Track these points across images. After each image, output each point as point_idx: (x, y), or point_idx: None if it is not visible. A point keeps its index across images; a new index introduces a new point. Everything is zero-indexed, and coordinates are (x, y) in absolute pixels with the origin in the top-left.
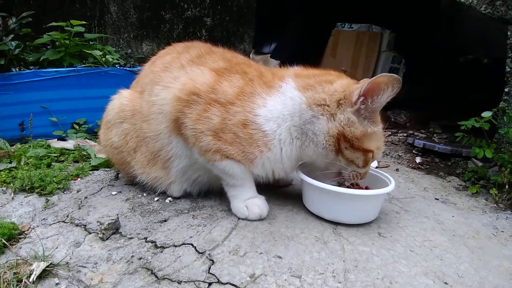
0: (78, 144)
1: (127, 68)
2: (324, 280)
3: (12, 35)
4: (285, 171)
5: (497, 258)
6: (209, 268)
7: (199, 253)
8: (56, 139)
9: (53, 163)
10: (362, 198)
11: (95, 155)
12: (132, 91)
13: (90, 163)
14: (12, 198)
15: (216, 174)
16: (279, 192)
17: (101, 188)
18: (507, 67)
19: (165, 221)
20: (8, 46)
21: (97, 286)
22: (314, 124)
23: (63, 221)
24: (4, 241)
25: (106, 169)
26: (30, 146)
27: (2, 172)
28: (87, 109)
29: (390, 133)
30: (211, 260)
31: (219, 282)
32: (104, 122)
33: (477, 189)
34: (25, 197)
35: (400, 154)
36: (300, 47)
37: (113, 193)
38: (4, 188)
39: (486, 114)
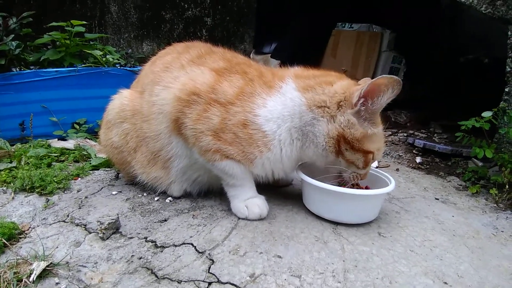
0: (79, 144)
1: (128, 68)
2: (324, 279)
3: (13, 35)
4: (285, 171)
5: (497, 258)
6: (209, 268)
7: (199, 252)
8: (56, 139)
9: (54, 163)
10: (362, 198)
11: (95, 155)
12: (133, 91)
13: (90, 163)
14: (13, 198)
15: (216, 174)
16: (279, 192)
17: (102, 188)
18: (507, 67)
19: (165, 220)
20: (9, 46)
21: (97, 286)
22: (314, 126)
23: (63, 221)
24: (5, 241)
25: (106, 169)
26: (30, 146)
27: (2, 172)
28: (87, 109)
29: (390, 133)
30: (211, 259)
31: (219, 281)
32: (105, 122)
33: (477, 189)
34: (25, 196)
35: (401, 154)
36: (301, 47)
37: (114, 192)
38: (5, 188)
39: (486, 114)
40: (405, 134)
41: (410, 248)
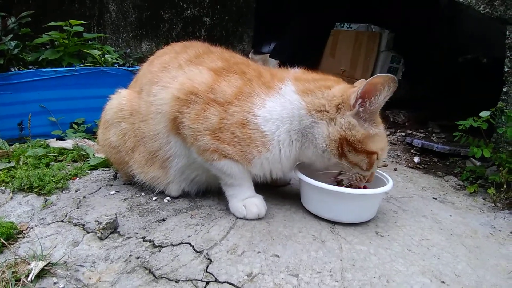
0: (77, 144)
1: (126, 68)
2: (321, 279)
3: (11, 35)
4: (283, 171)
5: (494, 257)
6: (207, 267)
7: (197, 252)
8: (55, 139)
9: (52, 163)
10: (360, 197)
11: (93, 155)
12: (131, 90)
13: (88, 163)
14: (11, 198)
15: (214, 173)
16: (277, 191)
17: (100, 188)
18: (505, 66)
19: (163, 220)
20: (7, 45)
21: (95, 285)
22: (314, 128)
23: (62, 221)
24: (3, 241)
25: (104, 169)
26: (29, 145)
27: (1, 172)
28: (86, 108)
29: (389, 132)
30: (208, 259)
31: (216, 281)
32: (103, 122)
33: (475, 188)
34: (23, 196)
35: (399, 154)
36: (300, 47)
37: (112, 192)
38: (3, 188)
39: (484, 113)
40: (403, 134)
41: (408, 247)
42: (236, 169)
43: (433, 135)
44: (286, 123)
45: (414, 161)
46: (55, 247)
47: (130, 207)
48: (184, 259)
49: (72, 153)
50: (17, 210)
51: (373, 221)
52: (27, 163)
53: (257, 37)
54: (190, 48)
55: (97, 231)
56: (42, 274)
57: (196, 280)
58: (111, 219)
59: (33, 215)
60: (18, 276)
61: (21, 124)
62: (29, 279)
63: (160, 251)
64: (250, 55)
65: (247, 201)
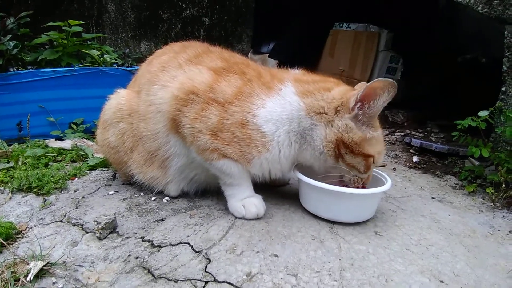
0: (76, 144)
1: (125, 68)
2: (320, 278)
3: (10, 35)
4: (282, 171)
5: (493, 256)
6: (206, 267)
7: (196, 252)
8: (53, 139)
9: (51, 163)
10: (359, 197)
11: (92, 155)
12: (129, 90)
13: (87, 163)
14: (10, 198)
15: (214, 173)
16: (276, 191)
17: (99, 188)
18: (504, 66)
19: (162, 220)
20: (6, 46)
21: (94, 285)
22: (313, 130)
23: (61, 221)
24: (2, 241)
25: (103, 169)
26: (27, 146)
27: (0, 172)
28: (84, 108)
29: (387, 132)
30: (207, 259)
31: (215, 280)
32: (101, 122)
33: (474, 188)
34: (22, 196)
35: (397, 153)
36: (299, 47)
37: (111, 192)
38: (2, 188)
39: (483, 113)
40: (402, 134)
41: (406, 246)
42: (235, 169)
43: (432, 134)
44: (286, 125)
45: (413, 160)
46: (54, 247)
47: (129, 207)
48: (183, 259)
49: (71, 153)
50: (16, 210)
51: (372, 220)
52: (26, 163)
53: (256, 37)
54: (189, 48)
55: (96, 231)
56: (41, 274)
57: (195, 279)
58: (110, 219)
59: (32, 215)
60: (17, 276)
61: (20, 124)
62: (28, 279)
63: (159, 251)
64: (249, 55)
65: (246, 201)
